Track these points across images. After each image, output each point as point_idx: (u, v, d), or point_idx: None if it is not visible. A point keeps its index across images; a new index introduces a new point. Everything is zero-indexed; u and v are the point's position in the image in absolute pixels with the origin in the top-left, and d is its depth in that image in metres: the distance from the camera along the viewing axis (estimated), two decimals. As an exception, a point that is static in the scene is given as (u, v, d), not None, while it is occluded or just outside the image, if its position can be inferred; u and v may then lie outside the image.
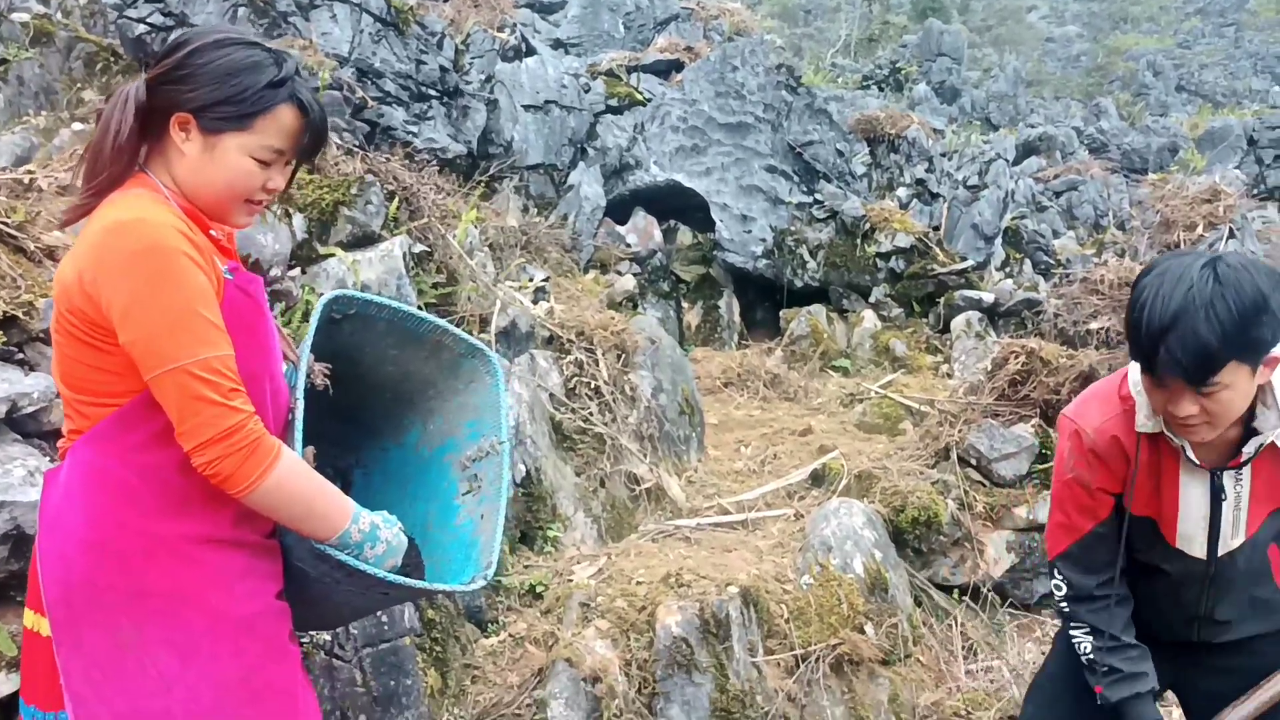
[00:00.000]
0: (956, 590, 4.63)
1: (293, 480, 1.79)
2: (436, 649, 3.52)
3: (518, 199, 8.35)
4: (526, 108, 8.78)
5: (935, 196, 10.12)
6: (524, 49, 9.25)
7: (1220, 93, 26.03)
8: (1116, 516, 2.34)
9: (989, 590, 4.63)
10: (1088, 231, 11.26)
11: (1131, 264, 7.17)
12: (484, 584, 2.11)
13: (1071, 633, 2.43)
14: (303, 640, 3.02)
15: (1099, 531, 2.35)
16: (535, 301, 5.24)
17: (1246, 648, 2.38)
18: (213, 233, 1.89)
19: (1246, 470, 2.19)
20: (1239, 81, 27.57)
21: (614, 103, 9.52)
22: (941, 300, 8.26)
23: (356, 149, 4.88)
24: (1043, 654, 4.05)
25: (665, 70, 10.18)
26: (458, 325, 4.55)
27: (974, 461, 4.89)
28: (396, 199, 4.45)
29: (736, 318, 8.81)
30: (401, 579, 1.93)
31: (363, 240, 4.20)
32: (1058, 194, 11.67)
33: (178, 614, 1.81)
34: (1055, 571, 2.43)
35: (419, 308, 4.44)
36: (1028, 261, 9.83)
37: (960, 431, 4.98)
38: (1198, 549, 2.28)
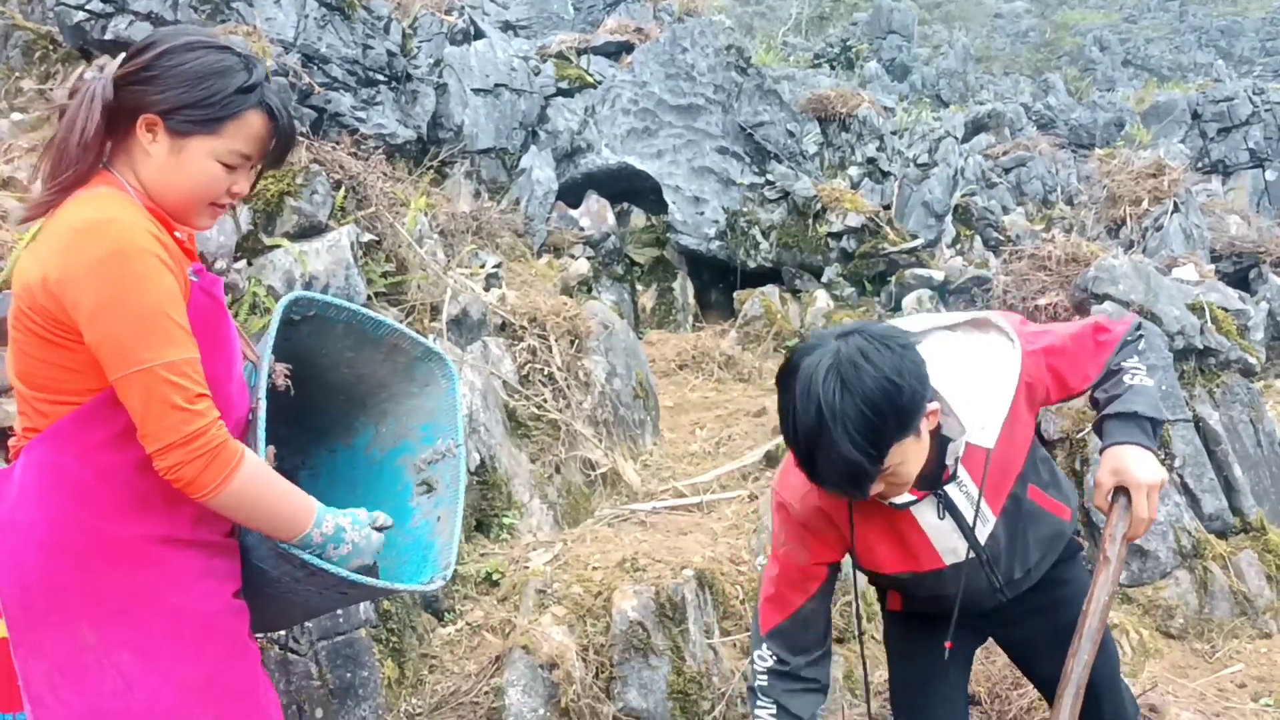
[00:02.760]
0: (909, 567, 4.69)
1: (255, 485, 1.78)
2: (393, 640, 3.52)
3: (469, 184, 8.29)
4: (476, 91, 8.72)
5: (886, 175, 10.18)
6: (472, 32, 9.18)
7: (1166, 67, 26.33)
8: (827, 591, 2.35)
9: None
10: (1037, 207, 11.37)
11: (1078, 239, 7.25)
12: (442, 584, 2.13)
13: (757, 711, 2.37)
14: (258, 636, 3.02)
15: (811, 607, 2.33)
16: (487, 288, 5.23)
17: (1050, 579, 2.44)
18: (177, 234, 1.88)
19: (962, 475, 2.19)
20: (1184, 55, 27.89)
21: (564, 85, 9.47)
22: (893, 279, 8.32)
23: (303, 137, 4.83)
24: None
25: (615, 52, 10.14)
26: (409, 314, 4.53)
27: (925, 439, 4.94)
28: (343, 188, 4.42)
29: (691, 300, 8.83)
30: (361, 578, 1.93)
31: (310, 230, 4.17)
32: (1007, 170, 11.78)
33: (138, 615, 1.81)
34: (764, 646, 2.37)
35: (369, 297, 4.42)
36: (978, 238, 9.93)
37: (911, 410, 5.03)
38: (964, 553, 2.27)
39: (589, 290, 7.79)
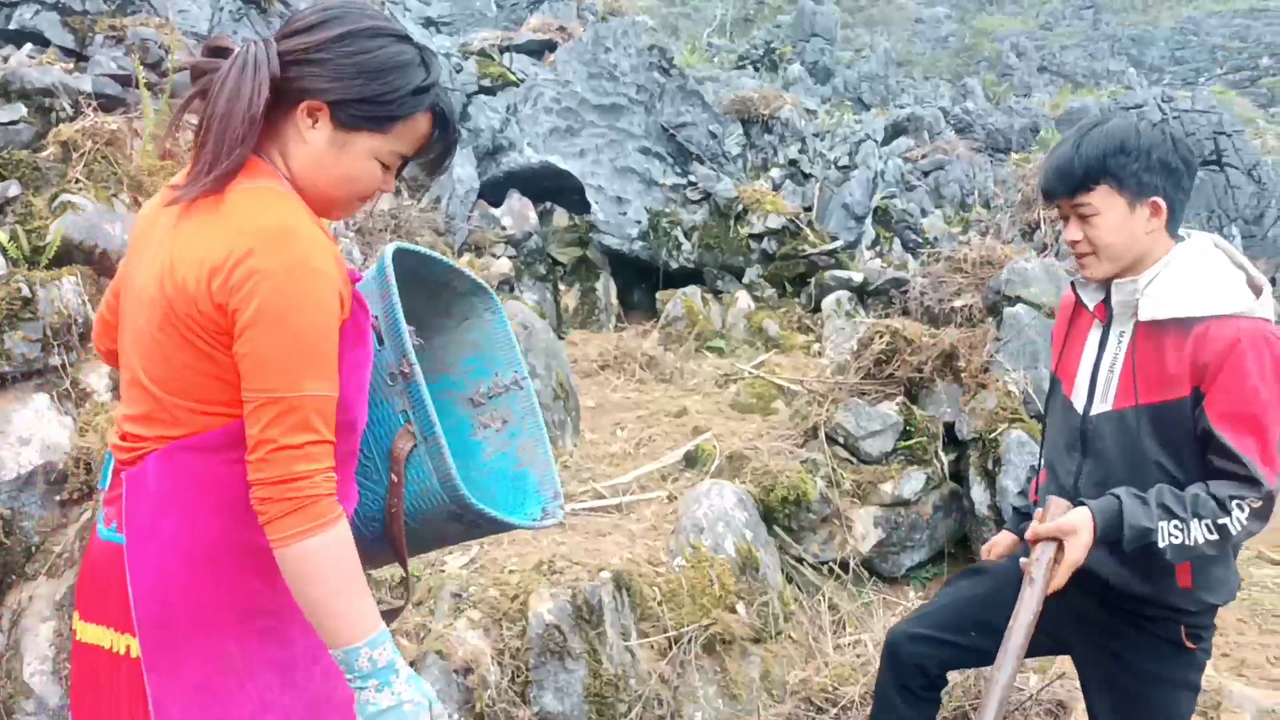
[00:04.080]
0: (826, 566, 4.73)
1: (330, 557, 1.60)
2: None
3: (389, 182, 8.20)
4: (397, 88, 8.62)
5: (808, 177, 10.28)
6: (393, 28, 9.07)
7: (1080, 74, 26.98)
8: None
9: (857, 565, 4.75)
10: (954, 210, 11.57)
11: (993, 242, 7.39)
12: (561, 514, 2.16)
13: None
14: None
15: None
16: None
17: (1143, 667, 2.45)
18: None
19: (1127, 336, 2.38)
20: (1098, 63, 28.60)
21: (487, 83, 9.41)
22: (813, 280, 8.40)
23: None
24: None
25: (539, 50, 10.10)
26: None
27: (841, 440, 5.00)
28: (255, 185, 4.31)
29: (614, 300, 8.82)
30: (489, 510, 1.91)
31: (220, 229, 4.06)
32: (926, 173, 11.97)
33: (283, 633, 1.73)
34: None
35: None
36: (897, 240, 10.07)
37: (828, 410, 5.08)
38: (1079, 401, 2.47)
39: (511, 290, 7.74)
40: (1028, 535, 2.28)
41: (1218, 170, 14.46)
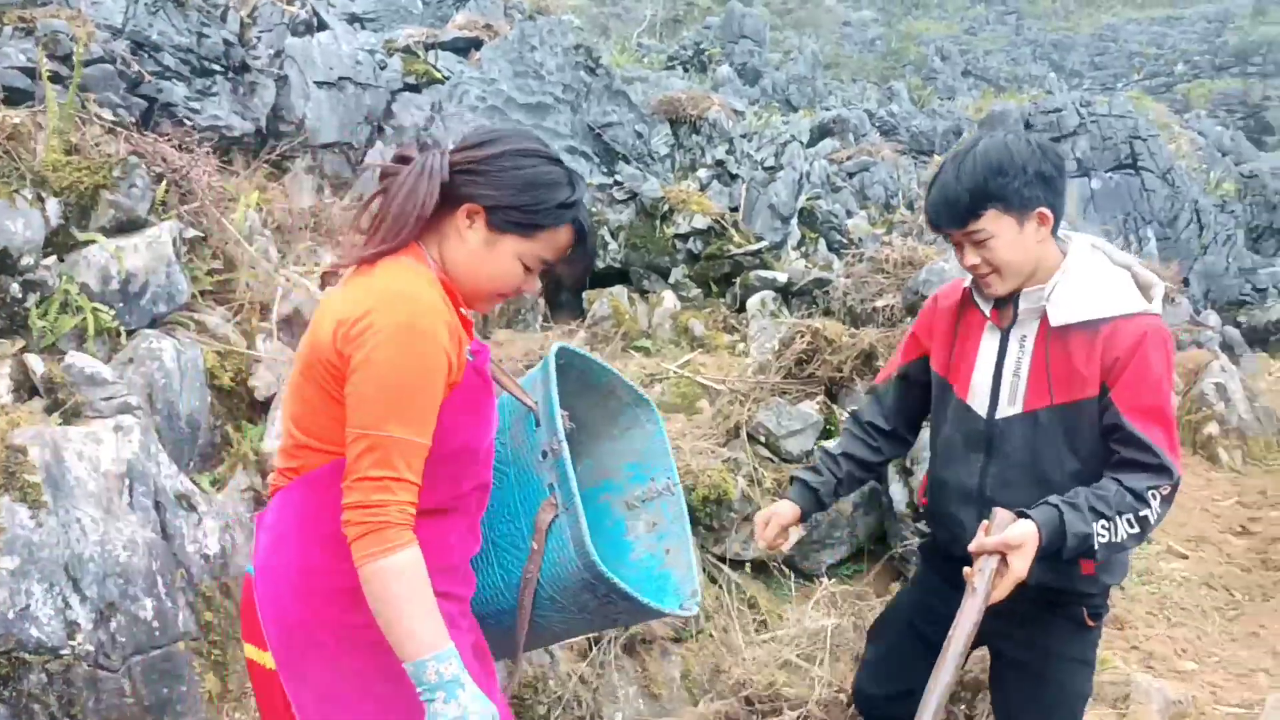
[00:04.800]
0: (747, 565, 4.76)
1: (399, 578, 1.81)
2: (215, 652, 3.39)
3: (311, 179, 8.07)
4: (319, 84, 8.49)
5: (734, 177, 10.31)
6: (315, 23, 8.95)
7: (1003, 78, 27.48)
8: (916, 371, 2.76)
9: (778, 563, 4.78)
10: (879, 211, 11.69)
11: (915, 243, 7.50)
12: (697, 609, 2.41)
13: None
14: (62, 652, 2.88)
15: (901, 374, 2.81)
16: (323, 287, 5.08)
17: (1043, 646, 2.55)
18: (463, 310, 2.02)
19: (1030, 340, 2.44)
20: (1020, 68, 29.16)
21: (412, 80, 9.30)
22: (738, 280, 8.43)
23: (124, 128, 4.61)
24: (826, 624, 4.21)
25: (465, 48, 10.01)
26: (236, 313, 4.38)
27: (763, 439, 5.03)
28: (165, 181, 4.23)
29: (540, 299, 8.77)
30: (641, 598, 2.17)
31: (128, 226, 3.97)
32: (851, 175, 12.07)
33: (386, 648, 1.88)
34: (860, 398, 2.79)
35: (194, 295, 4.25)
36: (823, 241, 10.14)
37: (750, 410, 5.11)
38: (979, 405, 2.52)
39: (435, 289, 7.65)
40: (972, 547, 2.31)
41: (1133, 174, 14.82)
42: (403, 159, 2.04)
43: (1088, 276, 2.39)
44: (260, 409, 4.09)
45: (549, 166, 2.02)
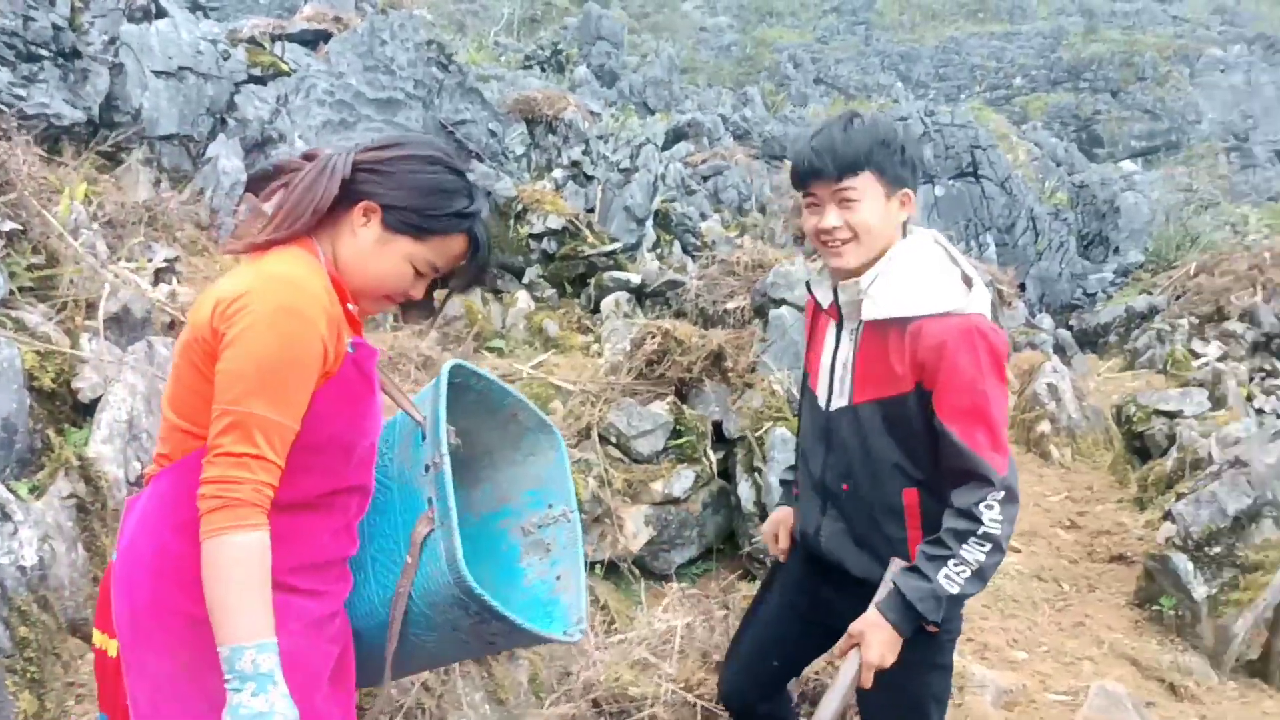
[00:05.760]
0: (598, 566, 4.74)
1: (239, 557, 1.80)
2: (31, 670, 3.21)
3: (148, 172, 7.73)
4: (158, 74, 8.14)
5: (590, 179, 10.31)
6: (154, 10, 8.58)
7: (853, 86, 28.22)
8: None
9: (629, 564, 4.78)
10: (732, 214, 11.86)
11: (764, 246, 7.62)
12: (581, 635, 2.38)
13: None
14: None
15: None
16: (156, 283, 4.87)
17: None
18: (350, 306, 2.02)
19: (857, 334, 2.47)
20: (869, 77, 29.98)
21: (257, 72, 9.01)
22: (592, 281, 8.43)
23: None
24: (675, 624, 4.23)
25: (313, 40, 9.74)
26: (60, 310, 4.15)
27: (613, 439, 5.03)
28: (-22, 172, 3.99)
29: (390, 299, 8.61)
30: (523, 623, 2.13)
31: (-64, 218, 3.73)
32: (705, 178, 12.21)
33: None
34: None
35: (12, 292, 4.01)
36: (677, 243, 10.23)
37: (601, 411, 5.10)
38: (822, 396, 2.57)
39: (280, 288, 7.43)
40: (837, 648, 2.41)
41: (974, 182, 15.41)
42: (308, 156, 2.08)
43: (907, 272, 2.41)
44: (85, 412, 3.89)
45: (452, 176, 2.06)
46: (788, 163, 11.94)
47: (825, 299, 2.58)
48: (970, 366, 2.30)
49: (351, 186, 2.01)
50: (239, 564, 1.79)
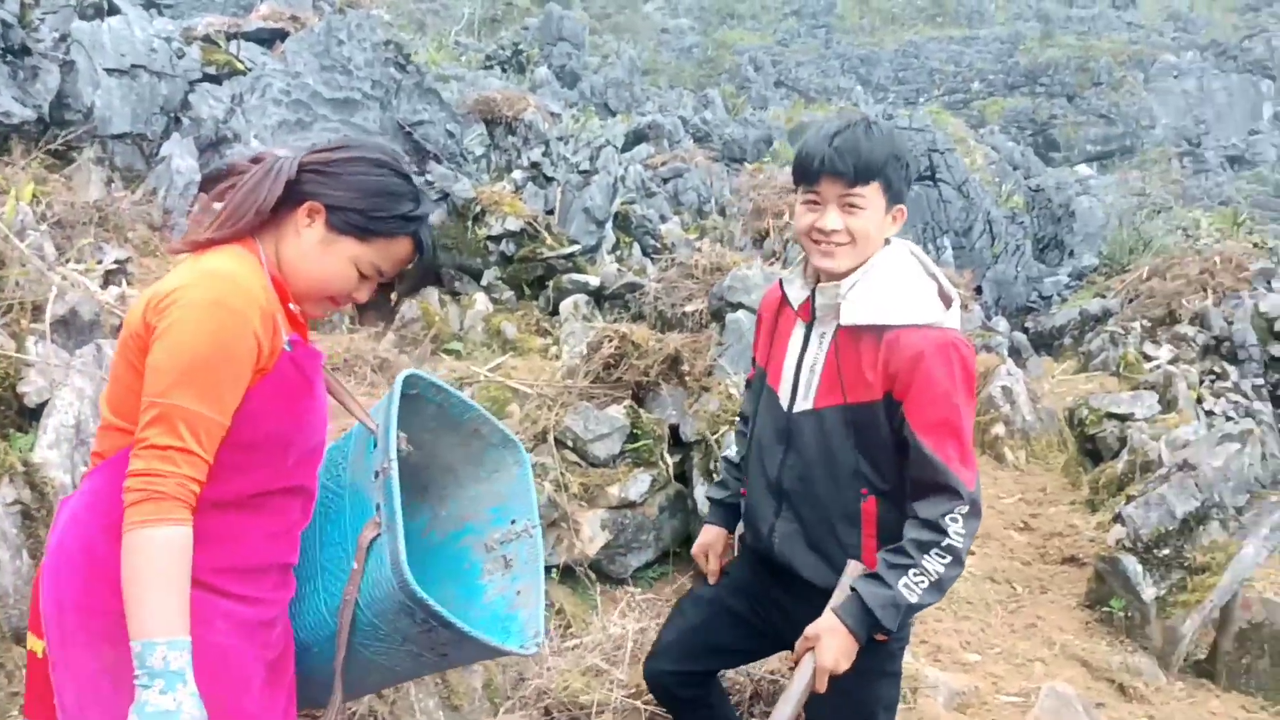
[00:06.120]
0: (554, 571, 4.73)
1: (158, 551, 1.78)
2: (-28, 682, 3.15)
3: (100, 171, 7.64)
4: (110, 71, 8.06)
5: (550, 180, 10.30)
6: (106, 7, 8.48)
7: (813, 89, 28.40)
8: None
9: (585, 568, 4.77)
10: (692, 217, 11.87)
11: (723, 249, 7.63)
12: (537, 650, 2.36)
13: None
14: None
15: (759, 369, 2.76)
16: (106, 285, 4.80)
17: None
18: (292, 306, 2.03)
19: (828, 338, 2.46)
20: (829, 80, 30.18)
21: (211, 71, 8.93)
22: (551, 283, 8.41)
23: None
24: (629, 629, 4.23)
25: (269, 39, 9.67)
26: (5, 313, 4.09)
27: (570, 443, 5.01)
28: (-78, 171, 3.91)
29: (347, 300, 8.54)
30: (478, 634, 2.10)
31: (-123, 218, 3.65)
32: (665, 180, 12.21)
33: None
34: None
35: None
36: (637, 246, 10.23)
37: (558, 414, 5.09)
38: (784, 397, 2.55)
39: (235, 289, 7.35)
40: (797, 648, 2.41)
41: (932, 185, 15.54)
42: (256, 159, 2.07)
43: (886, 281, 2.41)
44: (31, 416, 3.83)
45: (398, 180, 2.07)
46: (747, 165, 11.94)
47: (798, 298, 2.56)
48: (945, 379, 2.32)
49: (297, 188, 2.01)
50: (157, 558, 1.77)
